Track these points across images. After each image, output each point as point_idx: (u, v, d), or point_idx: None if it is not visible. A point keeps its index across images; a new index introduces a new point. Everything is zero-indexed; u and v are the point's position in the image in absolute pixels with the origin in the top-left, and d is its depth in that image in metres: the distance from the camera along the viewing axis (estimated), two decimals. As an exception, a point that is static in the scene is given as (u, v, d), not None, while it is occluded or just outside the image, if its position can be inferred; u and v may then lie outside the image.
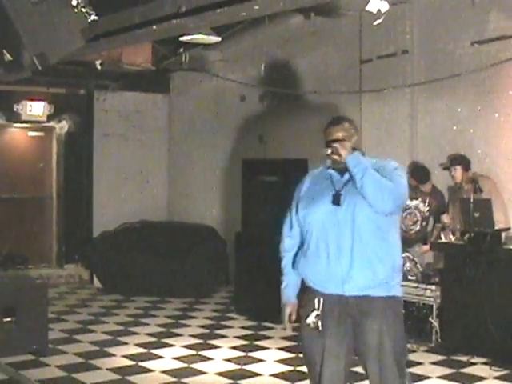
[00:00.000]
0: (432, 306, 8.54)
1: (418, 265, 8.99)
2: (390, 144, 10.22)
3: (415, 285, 8.78)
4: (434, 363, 7.95)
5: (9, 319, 8.17)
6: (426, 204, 9.24)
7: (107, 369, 7.80)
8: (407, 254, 9.06)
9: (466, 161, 8.98)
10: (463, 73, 9.21)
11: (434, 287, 8.63)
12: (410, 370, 7.59)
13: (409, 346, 8.50)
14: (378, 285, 4.46)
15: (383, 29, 8.88)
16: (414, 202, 9.32)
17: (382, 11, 7.42)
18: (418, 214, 9.27)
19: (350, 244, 4.47)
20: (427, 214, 9.26)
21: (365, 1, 7.51)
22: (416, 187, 9.46)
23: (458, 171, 8.92)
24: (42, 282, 9.35)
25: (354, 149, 4.92)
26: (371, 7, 7.50)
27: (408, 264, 9.01)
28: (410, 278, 8.92)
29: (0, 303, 8.15)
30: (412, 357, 8.18)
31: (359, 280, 4.43)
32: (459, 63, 9.39)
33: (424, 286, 8.71)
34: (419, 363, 7.94)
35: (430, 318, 8.51)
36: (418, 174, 9.50)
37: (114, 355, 8.36)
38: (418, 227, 9.26)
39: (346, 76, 10.84)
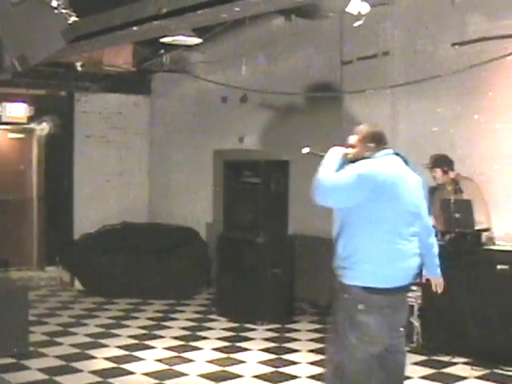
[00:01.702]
0: (413, 306, 8.56)
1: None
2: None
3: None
4: (415, 363, 7.97)
5: (-11, 322, 8.14)
6: None
7: (89, 371, 7.77)
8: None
9: (448, 162, 9.00)
10: (444, 74, 9.25)
11: (415, 288, 8.65)
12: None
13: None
14: (335, 268, 5.21)
15: (364, 30, 8.90)
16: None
17: (363, 13, 7.46)
18: None
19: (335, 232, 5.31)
20: None
21: (345, 2, 7.53)
22: None
23: (438, 173, 8.94)
24: (23, 285, 9.32)
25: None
26: (352, 9, 7.53)
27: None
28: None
29: (-20, 306, 8.12)
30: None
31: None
32: (440, 65, 9.42)
33: (405, 286, 8.73)
34: (401, 364, 7.96)
35: (412, 319, 8.53)
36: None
37: (95, 357, 8.33)
38: None
39: (327, 77, 10.86)
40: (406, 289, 5.28)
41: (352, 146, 5.39)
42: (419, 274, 5.63)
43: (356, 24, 7.64)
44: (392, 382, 5.30)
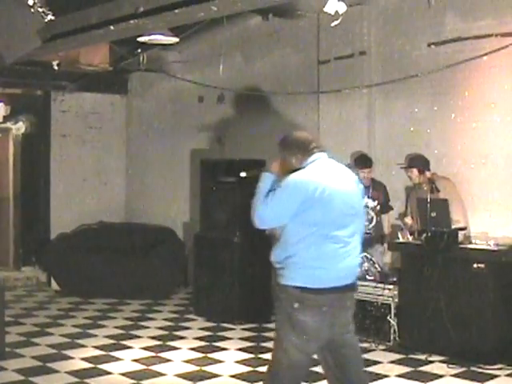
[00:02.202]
0: (390, 305, 8.60)
1: (376, 264, 9.06)
2: (347, 144, 10.28)
3: (374, 284, 8.84)
4: (392, 362, 8.00)
5: (-35, 323, 8.09)
6: (373, 199, 9.34)
7: (65, 372, 7.73)
8: (365, 253, 9.12)
9: (424, 162, 9.04)
10: (420, 74, 9.30)
11: (392, 287, 8.69)
12: (369, 368, 7.66)
13: (367, 345, 8.58)
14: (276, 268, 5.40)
15: (341, 30, 8.94)
16: (364, 201, 9.39)
17: (340, 12, 7.47)
18: (371, 212, 9.35)
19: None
20: (378, 207, 9.35)
21: (323, 2, 7.55)
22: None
23: (414, 173, 8.98)
24: (-1, 285, 9.25)
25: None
26: (329, 8, 7.55)
27: (366, 264, 9.07)
28: (368, 277, 8.97)
29: (-44, 306, 8.07)
30: (370, 356, 8.24)
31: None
32: (416, 64, 9.47)
33: (382, 285, 8.77)
34: (378, 362, 7.99)
35: (389, 317, 8.57)
36: (357, 160, 9.57)
37: (72, 358, 8.29)
38: (374, 223, 9.33)
39: (304, 77, 10.88)
40: (347, 288, 5.29)
41: (282, 160, 5.47)
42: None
43: (333, 24, 7.65)
44: (348, 376, 5.37)
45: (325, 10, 7.64)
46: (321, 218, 5.16)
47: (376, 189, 9.47)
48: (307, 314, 5.11)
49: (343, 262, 5.24)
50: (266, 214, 5.27)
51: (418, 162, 9.00)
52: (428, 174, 8.89)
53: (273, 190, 5.29)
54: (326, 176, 5.26)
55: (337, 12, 7.48)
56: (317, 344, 5.20)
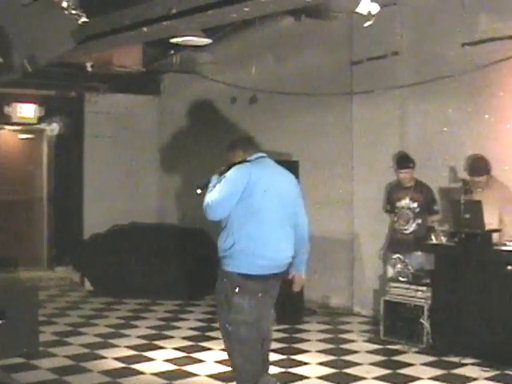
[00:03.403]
0: (423, 307, 8.55)
1: (409, 266, 8.99)
2: (380, 145, 10.24)
3: (406, 286, 8.80)
4: (424, 364, 7.96)
5: (-1, 322, 8.16)
6: (413, 200, 9.27)
7: (98, 371, 7.78)
8: (398, 255, 9.07)
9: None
10: (453, 74, 9.24)
11: (424, 288, 8.64)
12: (401, 371, 7.64)
13: (399, 346, 8.54)
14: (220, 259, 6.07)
15: (373, 30, 8.86)
16: (403, 202, 9.33)
17: (373, 13, 7.42)
18: (409, 212, 9.29)
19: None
20: (418, 210, 9.27)
21: (355, 3, 7.51)
22: (399, 184, 9.47)
23: (484, 178, 8.86)
24: (33, 285, 9.34)
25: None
26: (361, 9, 7.50)
27: (399, 265, 9.02)
28: (400, 279, 8.93)
29: (-10, 306, 8.14)
30: (403, 358, 8.21)
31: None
32: (449, 65, 9.40)
33: (415, 287, 8.72)
34: (410, 364, 7.95)
35: (421, 319, 8.52)
36: (398, 159, 9.52)
37: (104, 358, 8.34)
38: (413, 227, 9.26)
39: (337, 78, 10.84)
40: (278, 276, 6.01)
41: (227, 160, 6.15)
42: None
43: (366, 24, 7.60)
44: (264, 355, 6.19)
45: (357, 10, 7.59)
46: (261, 205, 5.80)
47: (418, 190, 9.35)
48: (245, 298, 5.80)
49: (280, 251, 5.96)
50: (215, 202, 5.79)
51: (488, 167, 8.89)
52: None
53: (219, 182, 5.86)
54: (263, 169, 5.95)
55: (369, 12, 7.43)
56: (251, 324, 5.86)
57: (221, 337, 9.30)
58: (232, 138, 6.56)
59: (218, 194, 5.78)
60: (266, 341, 6.17)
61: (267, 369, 6.33)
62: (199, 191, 6.13)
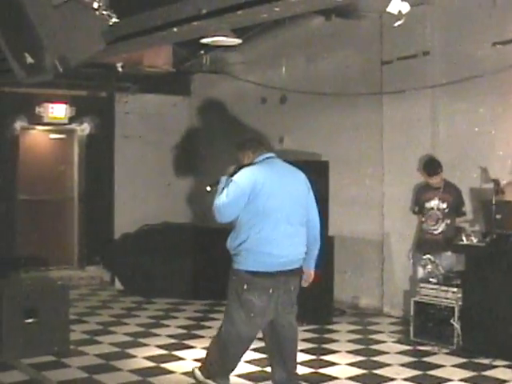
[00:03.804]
0: (453, 308, 8.50)
1: (440, 267, 8.95)
2: (411, 145, 10.20)
3: (436, 287, 8.75)
4: (455, 366, 7.91)
5: (31, 320, 8.22)
6: (442, 201, 9.23)
7: (128, 370, 7.81)
8: (428, 256, 9.03)
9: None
10: (484, 74, 9.17)
11: (455, 289, 8.59)
12: (431, 372, 7.60)
13: (430, 348, 8.50)
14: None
15: (404, 30, 8.84)
16: (432, 203, 9.29)
17: (403, 12, 7.40)
18: (439, 213, 9.25)
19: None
20: (447, 210, 9.23)
21: (385, 2, 7.49)
22: (428, 185, 9.43)
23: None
24: (64, 284, 9.39)
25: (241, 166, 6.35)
26: (392, 8, 7.48)
27: (429, 266, 8.98)
28: (431, 280, 8.88)
29: (22, 305, 8.21)
30: (433, 359, 8.18)
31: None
32: (480, 64, 9.35)
33: (445, 288, 8.68)
34: (440, 366, 7.91)
35: (452, 321, 8.47)
36: (427, 166, 9.47)
37: (135, 356, 8.37)
38: (442, 227, 9.22)
39: (367, 77, 10.82)
40: (292, 272, 6.26)
41: (238, 161, 6.40)
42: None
43: (396, 24, 7.58)
44: (282, 352, 6.40)
45: (388, 10, 7.57)
46: (266, 207, 6.07)
47: (447, 191, 9.31)
48: (255, 295, 6.07)
49: (286, 248, 6.17)
50: (223, 206, 6.08)
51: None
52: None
53: (226, 186, 6.12)
54: (270, 171, 6.22)
55: (400, 12, 7.41)
56: (262, 320, 6.15)
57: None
58: (242, 139, 6.77)
59: (226, 198, 6.06)
60: (285, 339, 6.41)
61: (294, 369, 6.60)
62: (209, 189, 6.43)
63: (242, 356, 6.49)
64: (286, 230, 6.18)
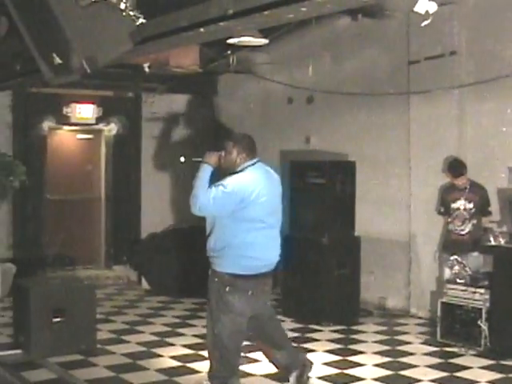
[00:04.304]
0: (481, 309, 8.45)
1: (467, 268, 8.89)
2: (438, 145, 10.15)
3: (464, 288, 8.71)
4: (482, 368, 7.88)
5: (58, 319, 8.28)
6: (469, 201, 9.18)
7: (155, 369, 7.85)
8: (456, 256, 8.98)
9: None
10: (512, 74, 9.12)
11: (482, 290, 8.54)
12: (458, 374, 7.57)
13: (457, 349, 8.46)
14: (209, 256, 6.45)
15: (431, 29, 8.79)
16: (458, 203, 9.24)
17: (430, 12, 7.36)
18: (465, 213, 9.20)
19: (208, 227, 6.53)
20: (473, 210, 9.18)
21: (412, 1, 7.45)
22: (453, 186, 9.38)
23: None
24: (91, 283, 9.46)
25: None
26: (419, 8, 7.44)
27: (456, 267, 8.93)
28: (458, 281, 8.84)
29: (49, 304, 8.27)
30: (460, 361, 8.14)
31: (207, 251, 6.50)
32: (508, 64, 9.28)
33: (473, 289, 8.63)
34: (467, 367, 7.88)
35: (479, 322, 8.42)
36: (452, 168, 9.42)
37: (161, 356, 8.41)
38: (469, 227, 9.17)
39: (394, 77, 10.78)
40: (268, 274, 6.59)
41: (228, 153, 6.49)
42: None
43: (423, 23, 7.53)
44: (272, 334, 6.95)
45: (415, 9, 7.52)
46: (254, 215, 6.28)
47: (472, 191, 9.26)
48: (235, 296, 6.29)
49: (269, 251, 6.50)
50: (208, 205, 6.23)
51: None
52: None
53: (217, 185, 6.27)
54: (260, 180, 6.38)
55: (427, 11, 7.37)
56: (243, 319, 6.41)
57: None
58: (242, 135, 6.95)
59: (214, 201, 6.21)
60: (271, 328, 6.95)
61: (289, 344, 7.27)
62: (183, 159, 6.95)
63: (240, 349, 6.72)
64: (270, 233, 6.48)
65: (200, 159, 6.62)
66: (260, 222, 6.36)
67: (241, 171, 6.43)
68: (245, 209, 6.25)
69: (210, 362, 6.66)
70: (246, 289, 6.35)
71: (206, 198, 6.23)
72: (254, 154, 6.56)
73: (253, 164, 6.48)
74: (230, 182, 6.30)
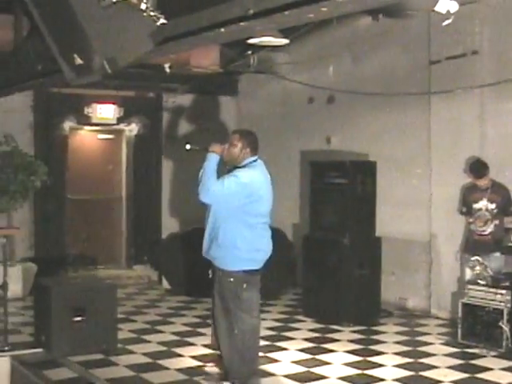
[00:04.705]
0: (502, 310, 8.41)
1: (489, 269, 8.85)
2: (459, 145, 10.11)
3: (485, 289, 8.66)
4: (503, 369, 7.84)
5: (79, 319, 8.31)
6: (491, 201, 9.13)
7: (175, 369, 7.86)
8: (477, 257, 8.93)
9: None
10: (535, 73, 9.06)
11: (504, 291, 8.50)
12: (479, 375, 7.53)
13: (478, 350, 8.42)
14: (213, 258, 6.89)
15: (452, 29, 8.77)
16: (480, 203, 9.20)
17: (452, 11, 7.34)
18: (487, 214, 9.15)
19: (208, 226, 6.90)
20: (495, 211, 9.13)
21: (434, 1, 7.43)
22: (475, 186, 9.33)
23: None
24: (112, 283, 9.48)
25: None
26: (440, 7, 7.42)
27: (477, 268, 8.89)
28: (479, 281, 8.79)
29: (71, 303, 8.30)
30: (481, 362, 8.10)
31: (208, 251, 7.02)
32: (531, 63, 9.24)
33: (494, 290, 8.58)
34: (488, 369, 7.84)
35: (501, 323, 8.38)
36: (474, 168, 9.37)
37: (181, 356, 8.42)
38: (491, 228, 9.13)
39: (415, 77, 10.74)
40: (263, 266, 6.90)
41: (233, 145, 6.72)
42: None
43: (445, 23, 7.52)
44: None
45: (436, 9, 7.51)
46: (262, 211, 6.68)
47: (495, 191, 9.22)
48: (253, 292, 6.72)
49: (269, 246, 6.88)
50: (220, 193, 6.46)
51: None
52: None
53: (230, 175, 6.56)
54: (265, 177, 6.79)
55: (448, 11, 7.35)
56: (257, 313, 6.91)
57: (294, 336, 9.34)
58: (250, 131, 7.26)
59: (226, 190, 6.48)
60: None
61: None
62: (188, 147, 6.97)
63: (258, 347, 7.08)
64: (268, 228, 6.91)
65: (197, 148, 6.95)
66: (264, 217, 6.78)
67: (244, 166, 6.74)
68: (255, 203, 6.61)
69: (227, 368, 6.86)
70: (257, 283, 6.80)
71: (219, 185, 6.49)
72: (256, 151, 6.89)
73: (255, 161, 6.82)
74: (243, 174, 6.61)
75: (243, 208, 6.56)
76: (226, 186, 6.47)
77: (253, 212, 6.62)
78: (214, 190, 6.47)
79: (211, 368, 7.52)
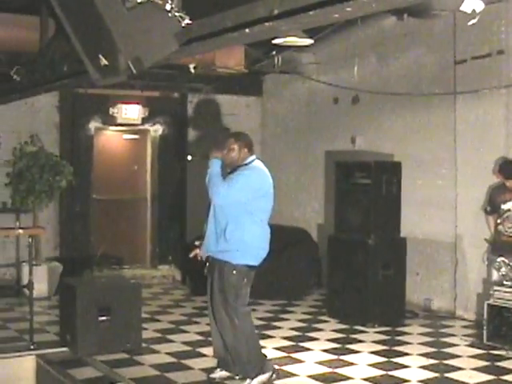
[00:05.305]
0: (523, 308, 8.36)
1: (514, 270, 8.80)
2: (485, 146, 10.05)
3: (511, 290, 8.61)
4: (526, 368, 7.80)
5: (104, 318, 8.35)
6: None
7: (199, 369, 7.87)
8: (503, 258, 8.88)
9: None
10: (562, 73, 9.00)
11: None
12: (504, 377, 7.48)
13: (504, 352, 8.36)
14: (217, 252, 7.04)
15: (478, 29, 8.73)
16: (509, 204, 9.14)
17: (477, 11, 7.30)
18: None
19: (213, 223, 7.21)
20: None
21: (459, 1, 7.40)
22: (504, 186, 9.27)
23: None
24: (137, 283, 9.51)
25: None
26: (466, 7, 7.38)
27: (503, 269, 8.83)
28: (505, 283, 8.74)
29: (96, 302, 8.34)
30: (506, 364, 8.06)
31: (211, 247, 7.16)
32: (557, 63, 9.17)
33: (520, 291, 8.54)
34: (515, 370, 7.80)
35: (522, 321, 8.33)
36: (504, 169, 9.31)
37: (205, 356, 8.43)
38: None
39: (440, 77, 10.70)
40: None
41: (231, 149, 6.99)
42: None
43: (470, 23, 7.48)
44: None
45: (461, 8, 7.48)
46: (268, 207, 7.00)
47: None
48: (248, 286, 6.99)
49: (268, 242, 7.11)
50: (229, 194, 6.76)
51: None
52: None
53: (236, 174, 6.88)
54: (266, 173, 7.04)
55: (474, 10, 7.31)
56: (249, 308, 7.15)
57: (318, 337, 9.33)
58: (243, 133, 7.47)
59: (234, 189, 6.79)
60: None
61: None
62: (190, 158, 7.26)
63: (257, 341, 7.32)
64: (267, 225, 7.11)
65: (198, 158, 7.53)
66: (267, 213, 7.07)
67: (246, 165, 7.03)
68: (261, 198, 6.95)
69: (237, 364, 7.13)
70: (252, 280, 7.09)
71: (227, 185, 6.81)
72: (252, 150, 7.16)
73: (254, 159, 7.11)
74: (248, 171, 6.95)
75: (251, 204, 6.85)
76: (233, 184, 6.79)
77: (260, 207, 6.94)
78: (224, 190, 6.78)
79: (220, 373, 7.49)
